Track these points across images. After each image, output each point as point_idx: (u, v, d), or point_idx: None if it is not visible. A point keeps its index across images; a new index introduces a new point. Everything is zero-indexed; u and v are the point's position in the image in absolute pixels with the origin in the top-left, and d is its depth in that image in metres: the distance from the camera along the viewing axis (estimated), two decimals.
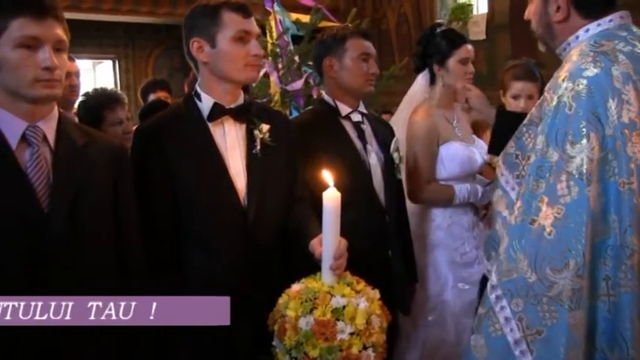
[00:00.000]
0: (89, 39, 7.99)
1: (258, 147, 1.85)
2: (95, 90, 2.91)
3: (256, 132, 1.86)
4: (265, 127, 1.87)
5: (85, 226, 1.52)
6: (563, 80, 1.52)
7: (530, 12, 1.73)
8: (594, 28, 1.62)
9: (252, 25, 1.84)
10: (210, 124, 1.84)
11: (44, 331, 1.43)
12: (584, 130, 1.45)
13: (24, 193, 1.44)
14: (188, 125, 1.83)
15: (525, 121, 1.79)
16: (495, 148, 2.08)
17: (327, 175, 1.57)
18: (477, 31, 7.92)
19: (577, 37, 1.64)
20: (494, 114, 2.18)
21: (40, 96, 1.46)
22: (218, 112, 1.84)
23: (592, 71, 1.49)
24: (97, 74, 8.72)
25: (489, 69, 7.49)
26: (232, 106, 1.86)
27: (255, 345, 1.73)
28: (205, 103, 1.85)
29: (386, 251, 2.31)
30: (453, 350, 2.51)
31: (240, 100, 1.90)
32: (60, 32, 1.48)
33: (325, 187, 1.57)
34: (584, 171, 1.43)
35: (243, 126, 1.88)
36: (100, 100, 2.76)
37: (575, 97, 1.48)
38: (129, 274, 1.64)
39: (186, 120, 1.84)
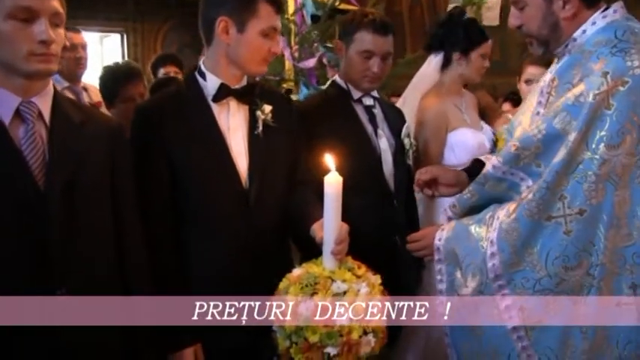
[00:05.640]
0: (97, 12, 7.90)
1: (260, 128, 1.83)
2: (116, 64, 2.95)
3: (258, 113, 1.83)
4: (267, 107, 1.85)
5: (83, 205, 1.48)
6: (603, 76, 1.44)
7: (523, 17, 1.63)
8: (600, 20, 1.56)
9: (279, 22, 1.82)
10: (215, 105, 1.81)
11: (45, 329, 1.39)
12: (622, 132, 1.41)
13: (19, 171, 1.40)
14: (190, 106, 1.80)
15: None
16: None
17: (329, 159, 1.54)
18: (491, 17, 7.77)
19: (584, 32, 1.57)
20: None
21: (35, 70, 1.41)
22: (224, 92, 1.81)
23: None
24: (104, 48, 8.64)
25: (502, 56, 7.39)
26: (237, 86, 1.84)
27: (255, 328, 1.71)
28: (210, 83, 1.81)
29: (394, 236, 2.28)
30: None
31: (244, 82, 1.87)
32: (56, 4, 1.42)
33: (329, 170, 1.54)
34: (616, 175, 1.41)
35: (246, 107, 1.85)
36: (122, 74, 2.77)
37: (616, 96, 1.41)
38: (125, 257, 1.60)
39: (188, 100, 1.81)
